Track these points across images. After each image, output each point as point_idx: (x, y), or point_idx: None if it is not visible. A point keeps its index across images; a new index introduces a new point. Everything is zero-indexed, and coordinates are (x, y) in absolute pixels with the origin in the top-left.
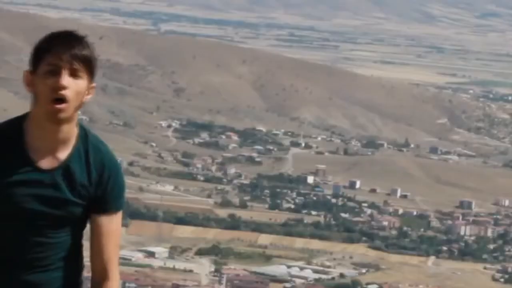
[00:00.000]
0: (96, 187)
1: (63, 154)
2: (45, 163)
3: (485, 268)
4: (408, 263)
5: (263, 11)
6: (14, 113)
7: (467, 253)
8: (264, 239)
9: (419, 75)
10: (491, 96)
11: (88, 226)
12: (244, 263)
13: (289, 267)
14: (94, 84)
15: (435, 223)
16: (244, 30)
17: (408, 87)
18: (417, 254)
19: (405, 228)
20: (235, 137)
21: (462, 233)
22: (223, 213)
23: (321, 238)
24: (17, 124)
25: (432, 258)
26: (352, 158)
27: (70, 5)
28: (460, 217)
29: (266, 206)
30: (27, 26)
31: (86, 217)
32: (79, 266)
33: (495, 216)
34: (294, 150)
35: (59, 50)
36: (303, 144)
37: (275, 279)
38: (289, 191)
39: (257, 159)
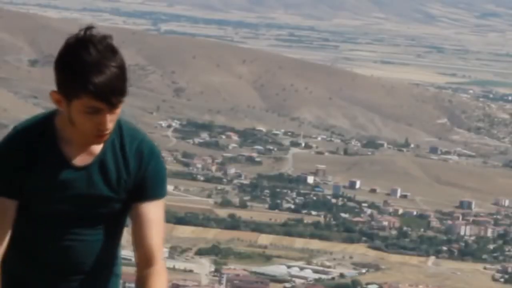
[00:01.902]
0: (135, 176)
1: (97, 148)
2: (79, 160)
3: (485, 268)
4: (408, 263)
5: (263, 11)
6: (14, 113)
7: (467, 253)
8: (264, 239)
9: (419, 75)
10: (491, 96)
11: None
12: (244, 263)
13: (289, 267)
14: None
15: (435, 223)
16: (244, 30)
17: (408, 87)
18: (417, 254)
19: (405, 228)
20: (235, 137)
21: (462, 233)
22: (223, 213)
23: (321, 238)
24: (48, 120)
25: (432, 258)
26: (352, 158)
27: (70, 5)
28: (460, 217)
29: (266, 206)
30: (27, 26)
31: (126, 214)
32: (117, 269)
33: (495, 216)
34: (294, 150)
35: (98, 94)
36: (303, 144)
37: (275, 279)
38: (289, 191)
39: (257, 159)
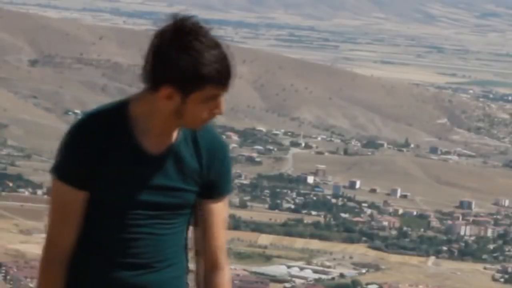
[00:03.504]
0: (208, 171)
1: (171, 139)
2: (154, 149)
3: (485, 268)
4: (408, 263)
5: (263, 11)
6: (14, 113)
7: (467, 253)
8: (264, 239)
9: (419, 75)
10: (491, 96)
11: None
12: (244, 263)
13: (289, 267)
14: None
15: (435, 223)
16: (244, 30)
17: (408, 87)
18: (417, 254)
19: (405, 228)
20: (235, 137)
21: (462, 233)
22: None
23: (321, 238)
24: (122, 108)
25: (432, 258)
26: (352, 158)
27: (70, 5)
28: (460, 217)
29: (266, 206)
30: (27, 26)
31: (193, 211)
32: (187, 266)
33: (495, 216)
34: (294, 150)
35: (223, 82)
36: (303, 144)
37: (275, 279)
38: (289, 191)
39: (257, 159)
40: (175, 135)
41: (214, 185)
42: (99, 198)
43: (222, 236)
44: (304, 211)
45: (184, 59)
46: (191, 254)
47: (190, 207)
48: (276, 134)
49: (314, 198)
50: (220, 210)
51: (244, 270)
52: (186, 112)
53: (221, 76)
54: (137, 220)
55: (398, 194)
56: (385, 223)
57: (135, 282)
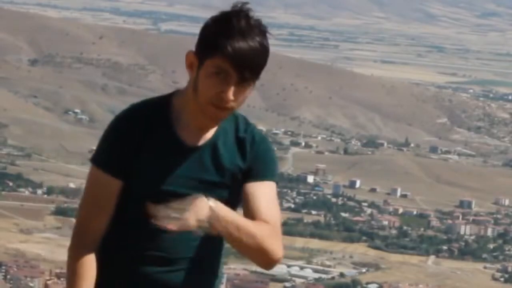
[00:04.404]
0: (250, 160)
1: (210, 133)
2: (192, 142)
3: (485, 267)
4: (408, 262)
5: (263, 11)
6: (14, 113)
7: (467, 252)
8: None
9: (419, 74)
10: (491, 95)
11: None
12: (244, 263)
13: (289, 266)
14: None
15: (435, 222)
16: None
17: (408, 86)
18: (417, 253)
19: (405, 228)
20: None
21: (462, 232)
22: None
23: (321, 237)
24: (167, 100)
25: (432, 258)
26: (352, 158)
27: (70, 5)
28: (460, 217)
29: None
30: (27, 26)
31: (232, 205)
32: (220, 269)
33: (495, 216)
34: (294, 149)
35: (234, 58)
36: (303, 144)
37: (275, 279)
38: (289, 191)
39: None
40: (213, 130)
41: (253, 170)
42: (133, 188)
43: (265, 211)
44: (304, 211)
45: (212, 27)
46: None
47: (225, 204)
48: (276, 134)
49: (314, 197)
50: (260, 189)
51: (244, 269)
52: (199, 85)
53: (236, 55)
54: None
55: (398, 193)
56: (385, 223)
57: (164, 279)
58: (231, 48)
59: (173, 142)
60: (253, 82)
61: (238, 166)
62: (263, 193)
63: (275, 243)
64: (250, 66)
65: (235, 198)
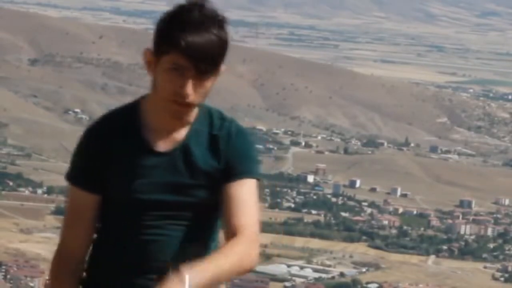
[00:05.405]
0: (226, 157)
1: (180, 135)
2: (162, 146)
3: (485, 267)
4: (408, 262)
5: (263, 10)
6: (14, 113)
7: (467, 252)
8: (264, 238)
9: (419, 74)
10: (491, 95)
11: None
12: None
13: (289, 266)
14: (223, 68)
15: (435, 222)
16: (244, 29)
17: (408, 86)
18: (417, 253)
19: (405, 227)
20: None
21: (462, 232)
22: None
23: (321, 237)
24: (135, 105)
25: (432, 257)
26: (352, 157)
27: (70, 4)
28: (460, 216)
29: (266, 205)
30: (27, 26)
31: (215, 206)
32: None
33: (495, 215)
34: (294, 149)
35: (188, 51)
36: (303, 143)
37: (275, 278)
38: (289, 190)
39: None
40: (185, 131)
41: (229, 168)
42: (110, 200)
43: (242, 215)
44: (304, 210)
45: (165, 22)
46: None
47: (203, 208)
48: (276, 133)
49: (314, 197)
50: (237, 191)
51: None
52: (158, 81)
53: (190, 48)
54: (149, 221)
55: (398, 193)
56: (385, 222)
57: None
58: (184, 42)
59: (143, 149)
60: (212, 75)
61: (214, 166)
62: (240, 194)
63: (252, 254)
64: (205, 58)
65: (217, 197)
